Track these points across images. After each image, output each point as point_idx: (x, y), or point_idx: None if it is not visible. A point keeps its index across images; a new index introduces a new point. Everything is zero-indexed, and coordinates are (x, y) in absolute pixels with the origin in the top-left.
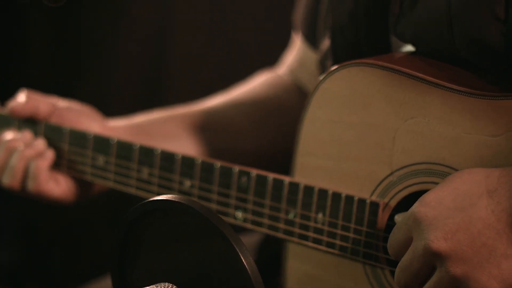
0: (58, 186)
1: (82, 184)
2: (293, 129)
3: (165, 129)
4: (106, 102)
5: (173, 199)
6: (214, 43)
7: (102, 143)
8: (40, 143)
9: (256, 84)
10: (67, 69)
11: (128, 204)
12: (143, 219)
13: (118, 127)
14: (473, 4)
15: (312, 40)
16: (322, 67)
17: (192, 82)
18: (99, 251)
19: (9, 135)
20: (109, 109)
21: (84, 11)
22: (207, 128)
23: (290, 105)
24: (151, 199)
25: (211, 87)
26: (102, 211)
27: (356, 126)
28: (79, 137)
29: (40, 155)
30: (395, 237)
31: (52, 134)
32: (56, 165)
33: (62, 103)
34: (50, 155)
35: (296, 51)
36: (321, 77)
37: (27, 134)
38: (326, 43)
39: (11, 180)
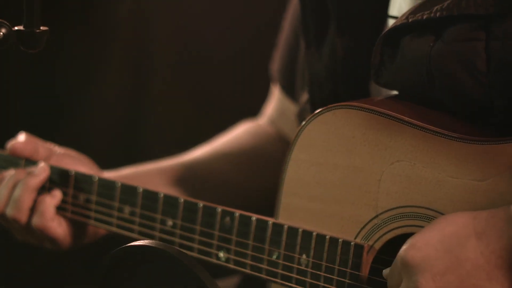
0: (61, 227)
1: (78, 230)
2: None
3: (153, 182)
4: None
5: (149, 245)
6: (193, 91)
7: (84, 181)
8: (42, 170)
9: (240, 133)
10: (44, 115)
11: (109, 248)
12: (120, 265)
13: (110, 177)
14: (453, 58)
15: (290, 91)
16: (301, 120)
17: (171, 128)
18: None
19: (13, 171)
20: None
21: (61, 58)
22: (194, 179)
23: (275, 154)
24: (128, 245)
25: (193, 135)
26: (79, 255)
27: (341, 168)
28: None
29: (48, 191)
30: (389, 285)
31: (58, 177)
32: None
33: (59, 149)
34: (58, 194)
35: (275, 101)
36: (306, 120)
37: (30, 168)
38: (304, 97)
39: (16, 212)
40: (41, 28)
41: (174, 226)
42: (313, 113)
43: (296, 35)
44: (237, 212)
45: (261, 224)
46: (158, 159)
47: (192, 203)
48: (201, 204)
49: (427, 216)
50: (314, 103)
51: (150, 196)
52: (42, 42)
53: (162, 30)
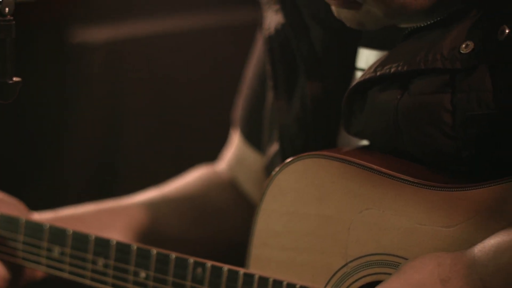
0: None
1: (15, 272)
2: (225, 228)
3: (100, 219)
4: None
5: None
6: (163, 138)
7: (58, 234)
8: None
9: (190, 180)
10: (17, 163)
11: None
12: None
13: (45, 219)
14: (419, 110)
15: (251, 139)
16: (268, 172)
17: (143, 175)
18: None
19: None
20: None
21: (34, 107)
22: (141, 221)
23: (223, 204)
24: None
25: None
26: None
27: (311, 217)
28: (33, 228)
29: None
30: None
31: None
32: None
33: None
34: None
35: (234, 148)
36: (276, 169)
37: None
38: (273, 149)
39: None
40: (14, 79)
41: (147, 277)
42: (283, 163)
43: (261, 83)
44: (209, 263)
45: (232, 274)
46: None
47: (165, 254)
48: (173, 255)
49: (396, 263)
50: (284, 156)
51: (123, 248)
52: (15, 93)
53: (134, 81)
